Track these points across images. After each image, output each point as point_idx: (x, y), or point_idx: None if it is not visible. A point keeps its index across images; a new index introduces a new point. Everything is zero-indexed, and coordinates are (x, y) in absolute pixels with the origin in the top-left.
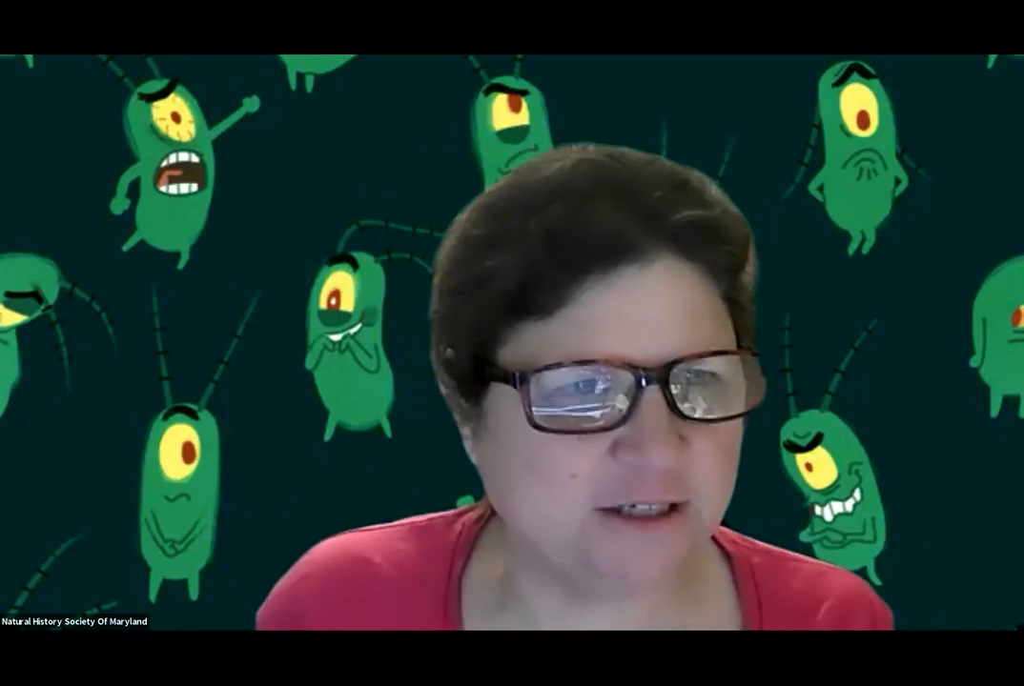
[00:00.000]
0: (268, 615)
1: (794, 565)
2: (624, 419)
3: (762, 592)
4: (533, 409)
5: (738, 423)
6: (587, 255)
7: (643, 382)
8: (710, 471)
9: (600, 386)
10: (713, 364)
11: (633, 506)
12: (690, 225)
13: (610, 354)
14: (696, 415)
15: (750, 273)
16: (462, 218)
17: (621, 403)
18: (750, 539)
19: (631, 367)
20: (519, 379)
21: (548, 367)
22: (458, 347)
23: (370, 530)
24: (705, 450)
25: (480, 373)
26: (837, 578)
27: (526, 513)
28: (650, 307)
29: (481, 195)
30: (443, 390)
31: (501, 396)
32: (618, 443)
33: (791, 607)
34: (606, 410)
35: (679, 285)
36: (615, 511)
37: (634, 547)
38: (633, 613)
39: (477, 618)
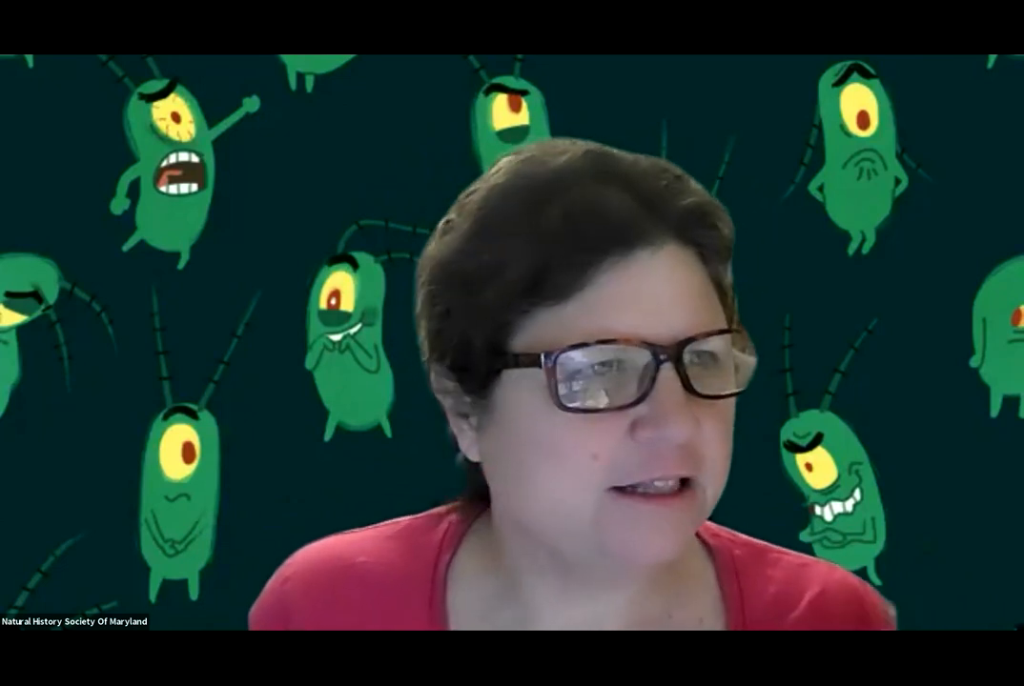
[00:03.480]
0: (257, 618)
1: (776, 556)
2: (643, 397)
3: (744, 583)
4: (559, 389)
5: (733, 402)
6: (607, 238)
7: (660, 360)
8: (717, 447)
9: (618, 366)
10: (714, 344)
11: (650, 483)
12: (692, 212)
13: (627, 334)
14: (706, 392)
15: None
16: (460, 214)
17: (638, 381)
18: (732, 531)
19: (649, 346)
20: (545, 360)
21: (574, 347)
22: (470, 338)
23: (353, 532)
24: (712, 427)
25: (492, 363)
26: (820, 569)
27: (539, 500)
28: (662, 289)
29: (473, 191)
30: (437, 387)
31: (515, 384)
32: (637, 421)
33: (772, 597)
34: (623, 388)
35: (683, 268)
36: (631, 490)
37: (648, 525)
38: (621, 603)
39: (464, 610)
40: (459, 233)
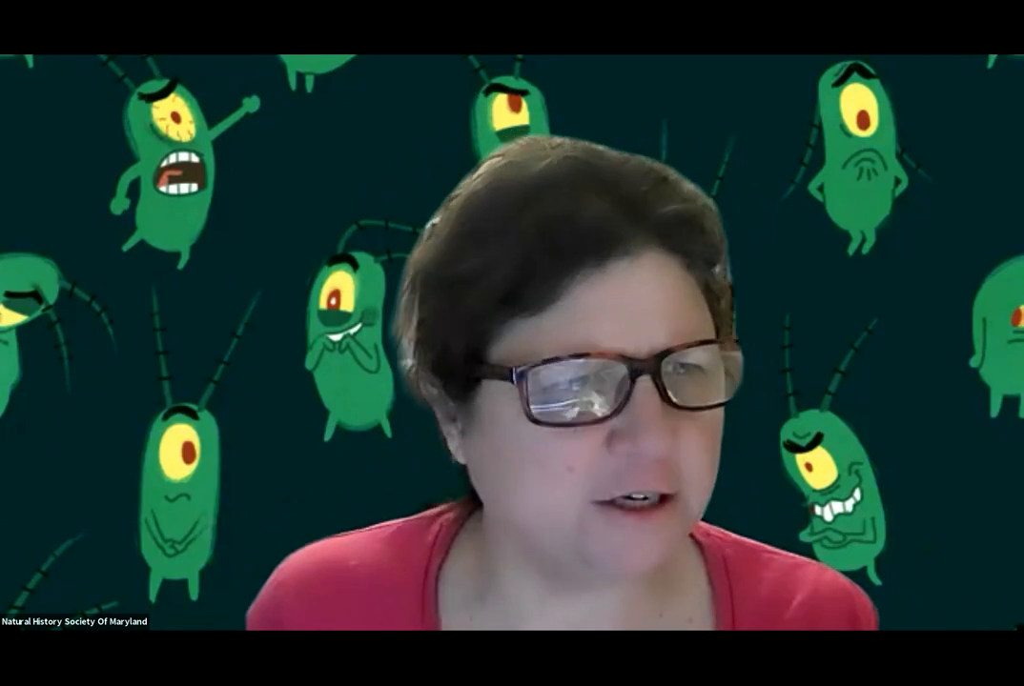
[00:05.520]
0: (252, 621)
1: (768, 557)
2: (618, 410)
3: (735, 583)
4: (531, 403)
5: (721, 413)
6: (581, 248)
7: (636, 373)
8: (699, 460)
9: (594, 379)
10: (697, 355)
11: (629, 497)
12: (674, 218)
13: (604, 347)
14: (685, 404)
15: (724, 264)
16: (442, 218)
17: (615, 395)
18: (723, 531)
19: (625, 359)
20: (517, 375)
21: (546, 361)
22: (449, 346)
23: (345, 535)
24: (693, 439)
25: (471, 371)
26: (811, 571)
27: (523, 507)
28: (640, 299)
29: (455, 196)
30: (423, 392)
31: (493, 393)
32: (613, 434)
33: (763, 598)
34: (600, 402)
35: (665, 277)
36: (612, 503)
37: (631, 537)
38: (611, 602)
39: (455, 611)
40: (440, 239)
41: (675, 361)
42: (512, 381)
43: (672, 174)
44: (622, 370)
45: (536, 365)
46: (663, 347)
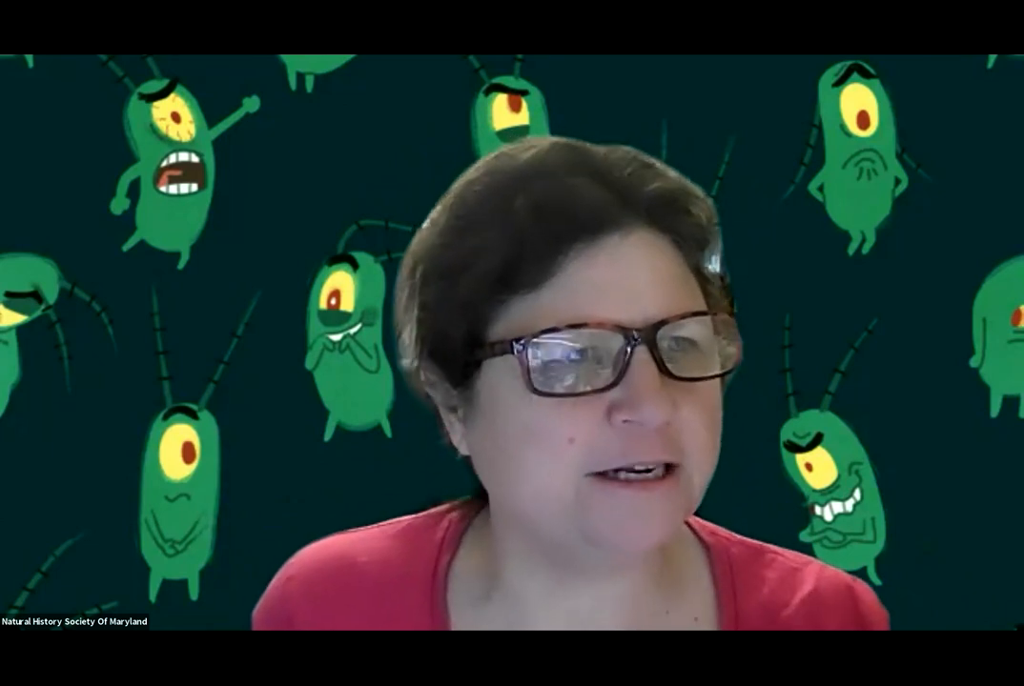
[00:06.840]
0: (260, 617)
1: (771, 557)
2: (617, 380)
3: (738, 582)
4: (532, 375)
5: (719, 391)
6: (573, 226)
7: (633, 343)
8: (699, 433)
9: (592, 350)
10: (690, 329)
11: (631, 470)
12: (660, 198)
13: (600, 318)
14: (683, 375)
15: (716, 253)
16: (438, 211)
17: (613, 366)
18: (730, 532)
19: (621, 329)
20: (516, 346)
21: (544, 332)
22: (448, 331)
23: (356, 531)
24: (693, 412)
25: (471, 354)
26: (814, 570)
27: (523, 487)
28: (633, 273)
29: (452, 191)
30: (425, 380)
31: (494, 373)
32: (613, 406)
33: (765, 597)
34: (599, 373)
35: (655, 253)
36: (612, 476)
37: (631, 511)
38: (617, 598)
39: (464, 608)
40: (436, 228)
41: (669, 335)
42: (513, 353)
43: (658, 162)
44: (619, 341)
45: (535, 336)
46: (657, 318)
